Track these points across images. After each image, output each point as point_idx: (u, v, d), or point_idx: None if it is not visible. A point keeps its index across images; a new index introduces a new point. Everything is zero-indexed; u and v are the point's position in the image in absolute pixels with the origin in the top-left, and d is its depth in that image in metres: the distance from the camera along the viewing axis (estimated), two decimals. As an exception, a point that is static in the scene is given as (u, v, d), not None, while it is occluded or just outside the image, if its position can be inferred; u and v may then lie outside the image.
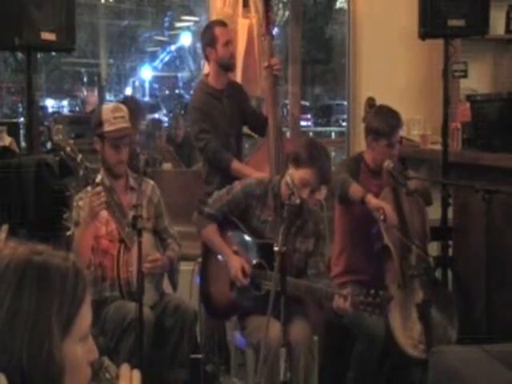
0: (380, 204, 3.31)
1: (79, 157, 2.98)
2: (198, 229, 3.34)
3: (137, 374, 1.34)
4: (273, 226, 3.23)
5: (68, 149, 2.96)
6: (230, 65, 3.97)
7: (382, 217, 3.28)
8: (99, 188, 3.02)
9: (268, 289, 3.08)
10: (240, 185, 3.29)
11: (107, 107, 3.33)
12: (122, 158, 3.26)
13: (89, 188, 3.13)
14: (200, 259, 3.43)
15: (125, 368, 1.34)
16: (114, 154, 3.25)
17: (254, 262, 3.22)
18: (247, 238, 3.26)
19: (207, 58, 3.97)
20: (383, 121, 3.51)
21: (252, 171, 3.74)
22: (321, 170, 3.06)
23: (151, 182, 3.46)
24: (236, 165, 3.82)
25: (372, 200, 3.32)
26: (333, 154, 5.77)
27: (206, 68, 4.38)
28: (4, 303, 1.16)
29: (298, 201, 2.98)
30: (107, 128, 3.23)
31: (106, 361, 1.35)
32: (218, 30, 3.90)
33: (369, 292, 2.96)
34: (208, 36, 3.93)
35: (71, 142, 2.99)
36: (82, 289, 1.23)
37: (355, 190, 3.36)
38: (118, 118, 3.24)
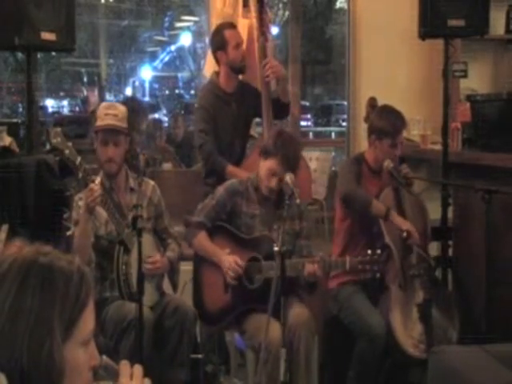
0: (403, 224, 3.38)
1: (78, 159, 2.99)
2: (189, 240, 3.36)
3: (138, 369, 1.34)
4: (262, 219, 3.29)
5: (67, 152, 2.96)
6: (242, 67, 3.95)
7: (404, 234, 3.36)
8: (92, 184, 3.01)
9: (263, 281, 3.14)
10: (222, 187, 3.35)
11: (103, 104, 3.39)
12: (110, 155, 3.25)
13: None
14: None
15: (124, 365, 1.34)
16: (103, 151, 3.26)
17: (248, 257, 3.24)
18: (238, 236, 3.28)
19: (218, 62, 3.96)
20: (388, 121, 3.51)
21: (246, 174, 3.73)
22: (285, 157, 3.15)
23: (151, 183, 3.47)
24: (230, 169, 3.82)
25: (397, 219, 3.40)
26: (333, 153, 5.76)
27: (207, 68, 4.38)
28: (6, 301, 1.16)
29: (298, 201, 3.00)
30: (97, 123, 3.29)
31: (105, 358, 1.35)
32: (228, 33, 3.89)
33: (366, 252, 3.05)
34: (218, 40, 3.91)
35: (70, 144, 2.99)
36: (85, 292, 1.22)
37: (377, 207, 3.42)
38: (109, 114, 3.26)
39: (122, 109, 3.33)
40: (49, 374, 1.15)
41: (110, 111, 3.27)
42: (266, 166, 3.20)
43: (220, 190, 3.34)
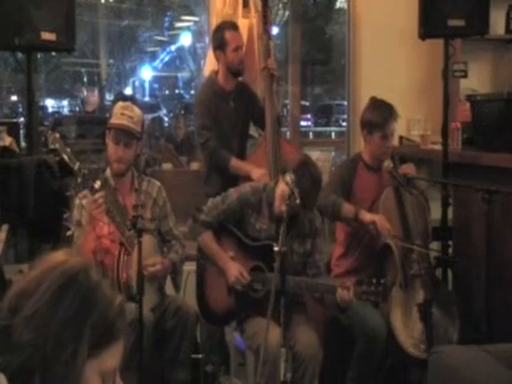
0: (373, 219, 3.36)
1: (77, 165, 3.00)
2: (194, 237, 3.34)
3: None
4: (269, 234, 3.23)
5: (65, 157, 2.98)
6: (240, 70, 3.94)
7: (374, 231, 3.35)
8: (98, 195, 3.03)
9: (266, 291, 3.08)
10: (235, 194, 3.28)
11: (120, 103, 3.39)
12: (120, 155, 3.26)
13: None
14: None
15: None
16: (113, 149, 3.27)
17: (252, 265, 3.22)
18: (243, 242, 3.26)
19: (217, 60, 3.96)
20: (376, 113, 3.52)
21: (251, 167, 3.74)
22: (302, 195, 2.93)
23: (157, 184, 3.48)
24: (234, 162, 3.82)
25: (365, 216, 3.38)
26: (333, 153, 5.76)
27: (207, 67, 4.38)
28: (49, 289, 1.17)
29: (297, 201, 2.98)
30: (111, 120, 3.29)
31: None
32: (228, 34, 3.86)
33: (371, 281, 3.00)
34: (218, 39, 3.89)
35: (68, 150, 3.01)
36: (120, 327, 1.23)
37: (347, 209, 3.41)
38: (124, 114, 3.27)
39: (138, 112, 3.34)
40: (66, 372, 1.15)
41: (126, 112, 3.28)
42: (282, 186, 3.04)
43: (233, 195, 3.27)
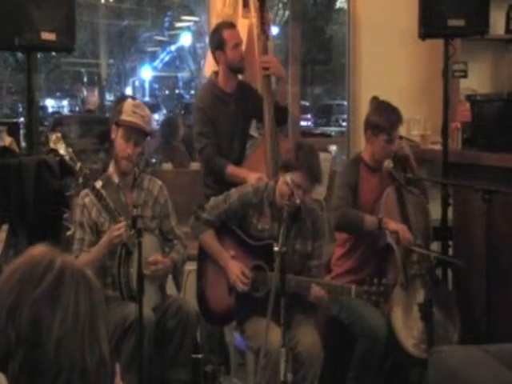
0: (396, 228, 3.39)
1: (78, 165, 3.02)
2: (195, 234, 3.34)
3: None
4: (270, 234, 3.23)
5: (67, 157, 3.00)
6: (241, 67, 3.95)
7: (395, 239, 3.36)
8: (121, 224, 3.08)
9: (267, 290, 3.08)
10: (237, 194, 3.29)
11: (131, 101, 3.40)
12: (129, 152, 3.27)
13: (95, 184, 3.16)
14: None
15: None
16: (123, 146, 3.28)
17: (252, 264, 3.22)
18: (245, 241, 3.26)
19: (217, 61, 3.96)
20: (383, 116, 3.52)
21: (247, 173, 3.72)
22: (309, 170, 3.07)
23: (159, 182, 3.48)
24: (230, 169, 3.81)
25: (389, 224, 3.40)
26: (333, 153, 5.75)
27: (207, 68, 4.37)
28: (69, 305, 1.18)
29: (298, 201, 2.99)
30: (123, 117, 3.29)
31: None
32: (226, 33, 3.87)
33: (372, 281, 3.00)
34: (216, 40, 3.90)
35: (70, 150, 3.02)
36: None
37: (370, 221, 3.42)
38: (136, 113, 3.29)
39: (148, 112, 3.38)
40: (103, 376, 1.18)
41: (138, 110, 3.30)
42: (288, 179, 3.05)
43: (234, 195, 3.28)
